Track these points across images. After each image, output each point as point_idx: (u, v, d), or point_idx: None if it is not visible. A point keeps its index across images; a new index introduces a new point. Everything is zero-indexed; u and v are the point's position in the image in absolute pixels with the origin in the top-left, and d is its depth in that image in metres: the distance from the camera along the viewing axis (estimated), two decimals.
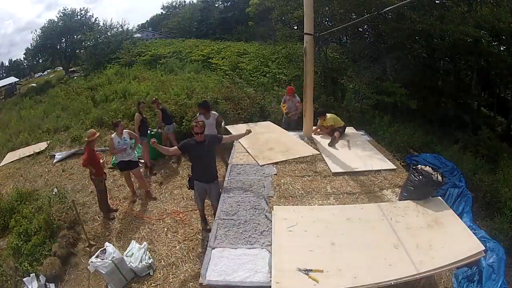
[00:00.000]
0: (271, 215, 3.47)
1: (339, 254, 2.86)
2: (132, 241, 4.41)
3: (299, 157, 4.82)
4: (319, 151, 5.15)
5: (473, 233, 3.21)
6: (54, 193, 5.87)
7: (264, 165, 4.64)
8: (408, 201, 3.60)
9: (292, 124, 6.82)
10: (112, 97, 11.19)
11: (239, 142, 5.51)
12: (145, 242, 4.38)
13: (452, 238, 3.03)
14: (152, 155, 7.10)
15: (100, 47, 19.97)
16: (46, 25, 23.34)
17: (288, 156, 4.83)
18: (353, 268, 2.69)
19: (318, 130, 5.89)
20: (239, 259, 2.91)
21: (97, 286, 4.07)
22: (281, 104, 7.14)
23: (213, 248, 3.07)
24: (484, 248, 2.94)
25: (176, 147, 4.27)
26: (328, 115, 5.80)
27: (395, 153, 6.77)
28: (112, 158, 7.12)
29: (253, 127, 6.34)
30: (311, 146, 5.31)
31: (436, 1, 10.92)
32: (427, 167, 3.70)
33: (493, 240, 3.93)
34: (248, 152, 5.14)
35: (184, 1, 41.94)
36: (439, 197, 3.71)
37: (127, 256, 4.11)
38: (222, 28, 29.24)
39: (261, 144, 5.43)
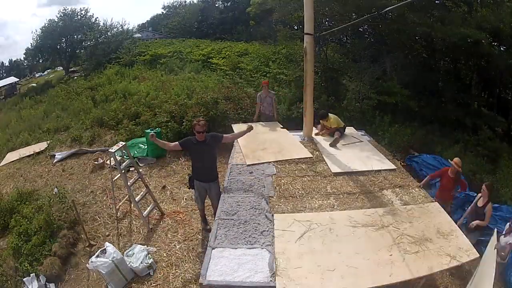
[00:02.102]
0: (272, 216, 3.48)
1: (340, 259, 2.87)
2: (134, 244, 4.43)
3: (291, 159, 4.74)
4: (319, 151, 5.15)
5: None
6: (54, 192, 5.87)
7: (251, 165, 4.64)
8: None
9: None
10: (112, 97, 11.17)
11: (237, 141, 5.47)
12: (151, 247, 4.40)
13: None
14: (152, 154, 7.11)
15: (100, 47, 19.92)
16: (46, 25, 23.32)
17: (277, 158, 4.79)
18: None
19: (321, 132, 5.82)
20: (239, 259, 2.91)
21: (97, 286, 4.07)
22: (256, 102, 6.76)
23: (213, 248, 3.06)
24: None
25: (177, 142, 4.18)
26: (331, 115, 5.72)
27: (395, 153, 6.78)
28: None
29: (258, 125, 6.28)
30: (311, 147, 5.26)
31: (436, 1, 10.92)
32: None
33: None
34: (241, 150, 5.16)
35: (185, 1, 41.99)
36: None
37: (127, 256, 4.11)
38: (222, 28, 29.22)
39: (257, 144, 5.41)
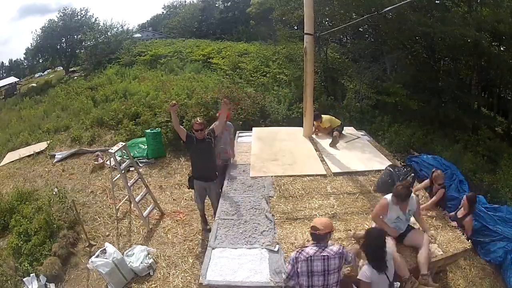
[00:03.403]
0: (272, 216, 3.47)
1: None
2: (134, 245, 4.43)
3: (300, 175, 4.36)
4: (319, 151, 5.15)
5: None
6: (54, 192, 5.87)
7: (254, 177, 4.38)
8: None
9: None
10: (112, 97, 11.17)
11: (251, 144, 5.44)
12: (151, 247, 4.40)
13: None
14: (152, 154, 7.10)
15: (100, 47, 19.92)
16: (46, 25, 23.31)
17: (286, 172, 4.46)
18: None
19: (317, 131, 5.93)
20: (239, 259, 2.91)
21: (97, 286, 4.07)
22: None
23: (213, 248, 3.07)
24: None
25: (185, 130, 4.10)
26: (324, 116, 5.85)
27: (395, 153, 6.78)
28: None
29: (281, 131, 6.18)
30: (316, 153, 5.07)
31: (436, 1, 10.90)
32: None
33: None
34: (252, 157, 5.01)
35: (185, 1, 42.04)
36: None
37: (127, 256, 4.11)
38: (223, 28, 29.26)
39: (271, 152, 5.13)
